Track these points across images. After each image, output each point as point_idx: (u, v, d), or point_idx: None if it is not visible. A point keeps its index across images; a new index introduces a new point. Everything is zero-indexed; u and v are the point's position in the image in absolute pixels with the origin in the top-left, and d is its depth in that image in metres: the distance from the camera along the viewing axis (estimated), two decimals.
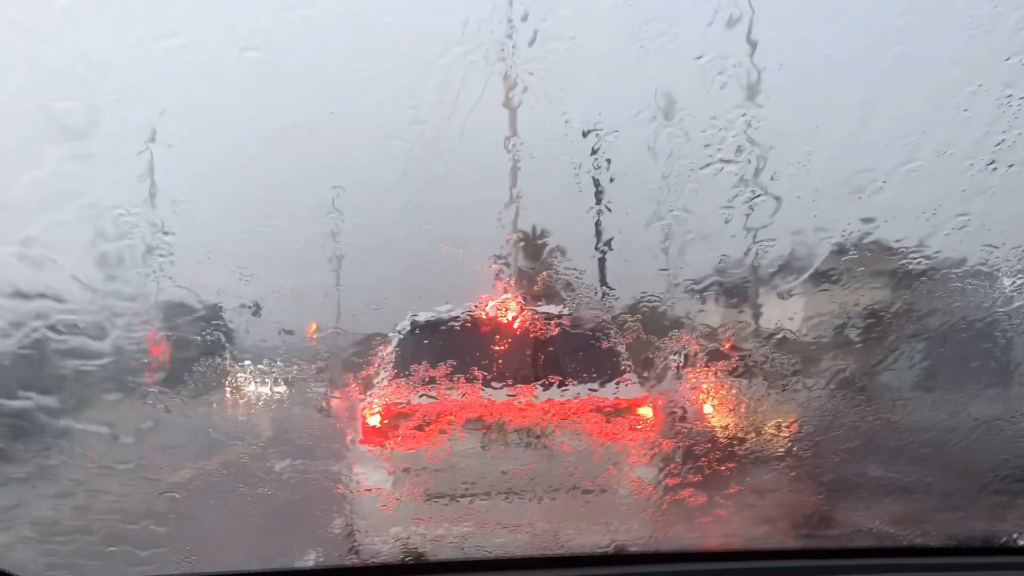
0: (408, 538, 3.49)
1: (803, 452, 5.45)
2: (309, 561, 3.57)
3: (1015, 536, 2.92)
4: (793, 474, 5.63)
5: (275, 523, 5.31)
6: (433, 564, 3.14)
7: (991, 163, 3.98)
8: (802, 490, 5.22)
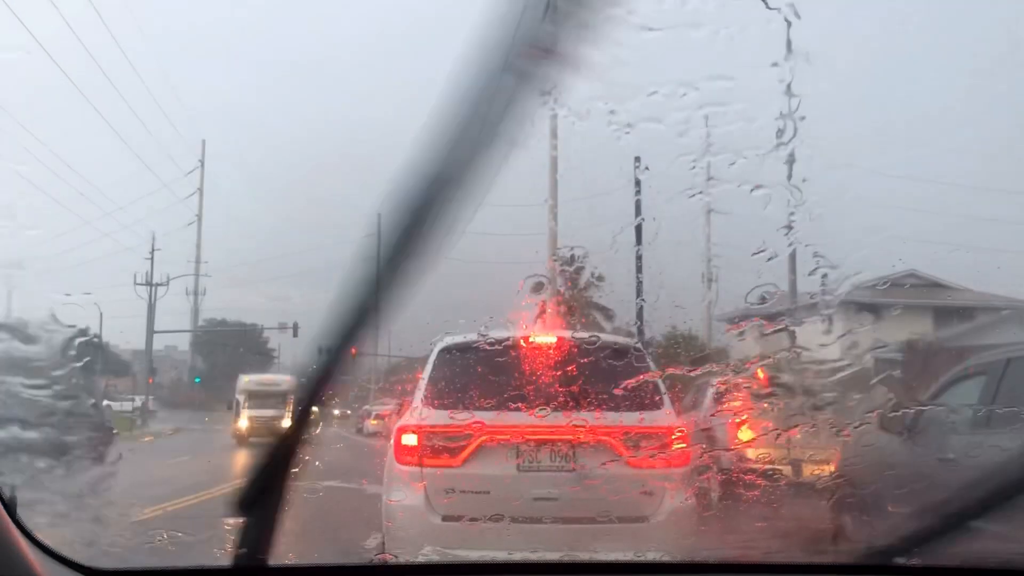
0: (438, 557, 3.51)
1: (842, 486, 5.36)
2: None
3: None
4: (832, 509, 5.53)
5: (308, 537, 5.38)
6: None
7: None
8: (841, 527, 5.12)
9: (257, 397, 22.82)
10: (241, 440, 21.38)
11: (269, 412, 21.61)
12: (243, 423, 22.18)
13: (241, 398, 23.25)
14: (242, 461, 14.94)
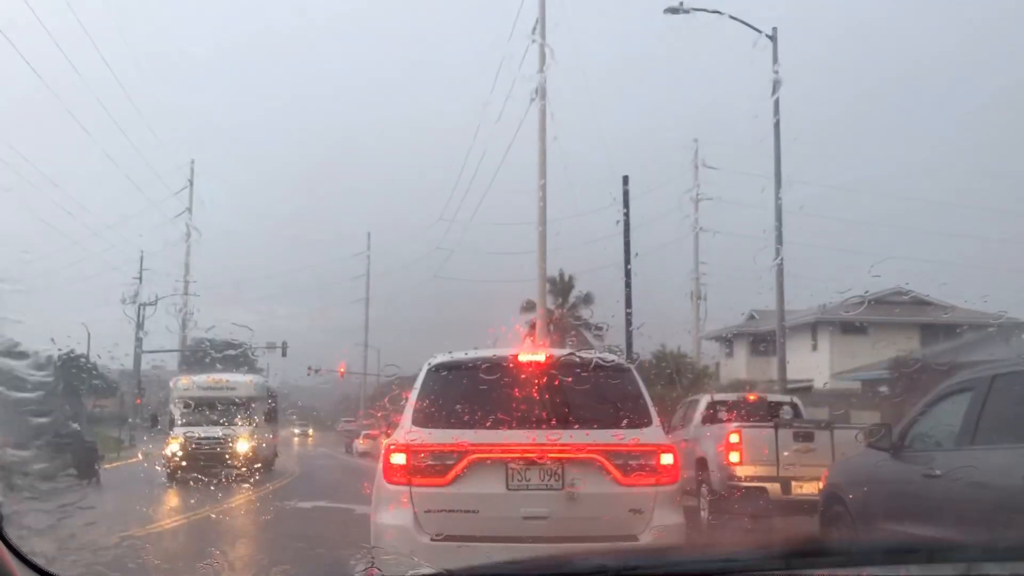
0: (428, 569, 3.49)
1: (832, 504, 5.38)
2: None
3: None
4: (820, 524, 5.54)
5: (297, 556, 5.35)
6: None
7: None
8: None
9: (201, 408, 15.00)
10: (173, 474, 13.82)
11: (218, 431, 14.48)
12: (174, 449, 14.13)
13: (176, 410, 15.50)
14: (226, 484, 13.73)
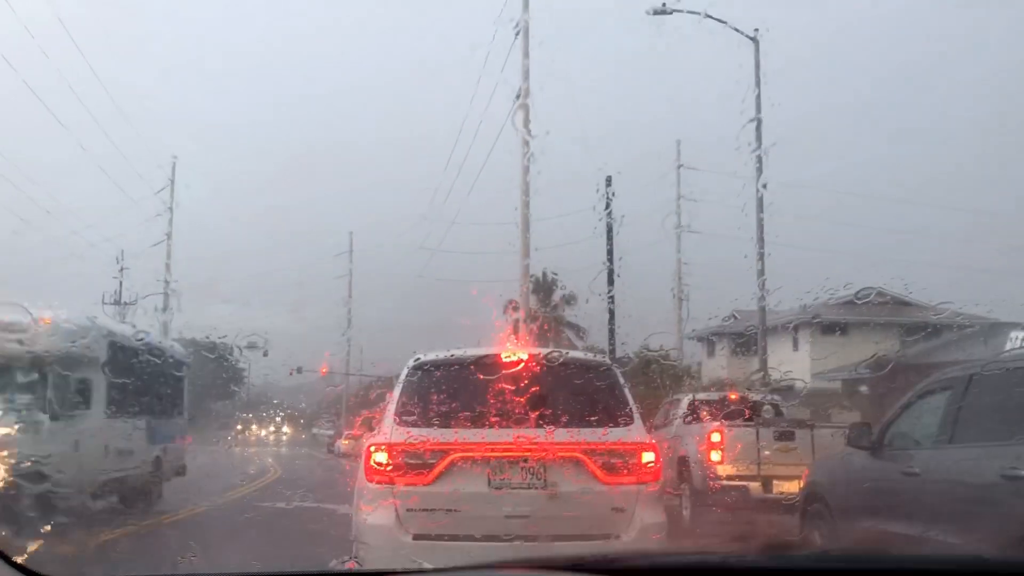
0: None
1: (813, 502, 5.42)
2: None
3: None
4: (801, 522, 5.59)
5: (278, 558, 5.34)
6: None
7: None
8: (809, 538, 5.16)
9: None
10: None
11: None
12: None
13: None
14: (212, 486, 13.07)
